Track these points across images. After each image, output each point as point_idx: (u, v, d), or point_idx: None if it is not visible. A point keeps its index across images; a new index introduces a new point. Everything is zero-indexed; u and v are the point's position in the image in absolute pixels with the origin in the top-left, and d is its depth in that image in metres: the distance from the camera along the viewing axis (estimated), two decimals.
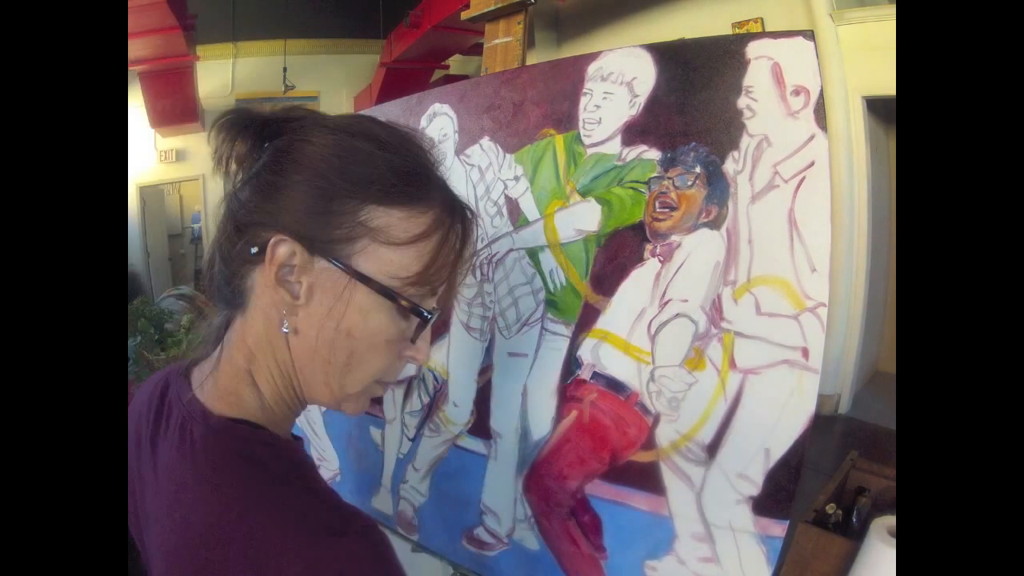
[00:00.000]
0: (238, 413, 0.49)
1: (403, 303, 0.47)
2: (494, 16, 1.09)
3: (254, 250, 0.47)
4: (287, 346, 0.49)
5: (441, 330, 1.05)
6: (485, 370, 0.98)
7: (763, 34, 0.72)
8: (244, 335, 0.50)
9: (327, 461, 1.29)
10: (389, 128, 0.49)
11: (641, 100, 0.81)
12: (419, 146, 0.50)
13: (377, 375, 0.51)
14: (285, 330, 0.47)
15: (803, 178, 0.69)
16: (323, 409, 1.28)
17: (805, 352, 0.68)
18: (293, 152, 0.48)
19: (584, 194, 0.85)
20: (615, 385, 0.82)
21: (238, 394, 0.49)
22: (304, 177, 0.47)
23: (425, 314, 0.49)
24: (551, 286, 0.89)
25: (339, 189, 0.46)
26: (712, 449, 0.74)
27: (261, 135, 0.50)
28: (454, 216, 0.50)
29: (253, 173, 0.49)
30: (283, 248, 0.46)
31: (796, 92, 0.69)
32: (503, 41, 1.08)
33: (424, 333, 0.51)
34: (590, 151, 0.85)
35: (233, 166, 0.49)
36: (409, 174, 0.48)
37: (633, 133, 0.81)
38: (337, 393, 0.50)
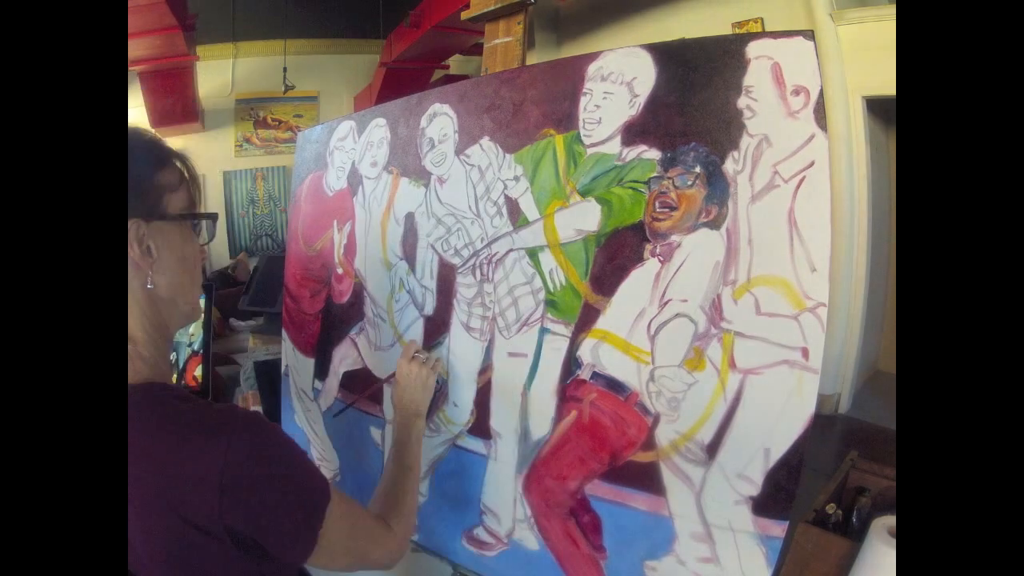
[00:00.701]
0: (132, 380, 0.60)
1: (197, 222, 0.67)
2: (494, 16, 1.09)
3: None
4: (154, 301, 0.63)
5: (441, 330, 1.05)
6: (485, 370, 0.98)
7: (763, 34, 0.72)
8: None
9: (327, 461, 1.29)
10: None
11: (641, 100, 0.81)
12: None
13: (199, 279, 0.70)
14: (150, 286, 0.62)
15: (803, 178, 0.69)
16: (323, 409, 1.28)
17: (805, 352, 0.68)
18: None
19: (584, 194, 0.85)
20: (615, 385, 0.82)
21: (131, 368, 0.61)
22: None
23: (207, 220, 0.70)
24: (551, 286, 0.89)
25: (137, 172, 0.60)
26: (712, 449, 0.74)
27: None
28: (182, 160, 0.68)
29: None
30: (131, 227, 0.60)
31: (796, 92, 0.69)
32: (503, 41, 1.08)
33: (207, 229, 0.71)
34: (590, 151, 0.85)
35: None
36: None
37: (633, 133, 0.81)
38: (195, 304, 0.69)
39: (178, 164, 0.67)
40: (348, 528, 0.67)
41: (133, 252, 0.61)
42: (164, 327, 0.66)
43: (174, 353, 1.54)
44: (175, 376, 1.54)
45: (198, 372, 1.56)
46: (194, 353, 1.58)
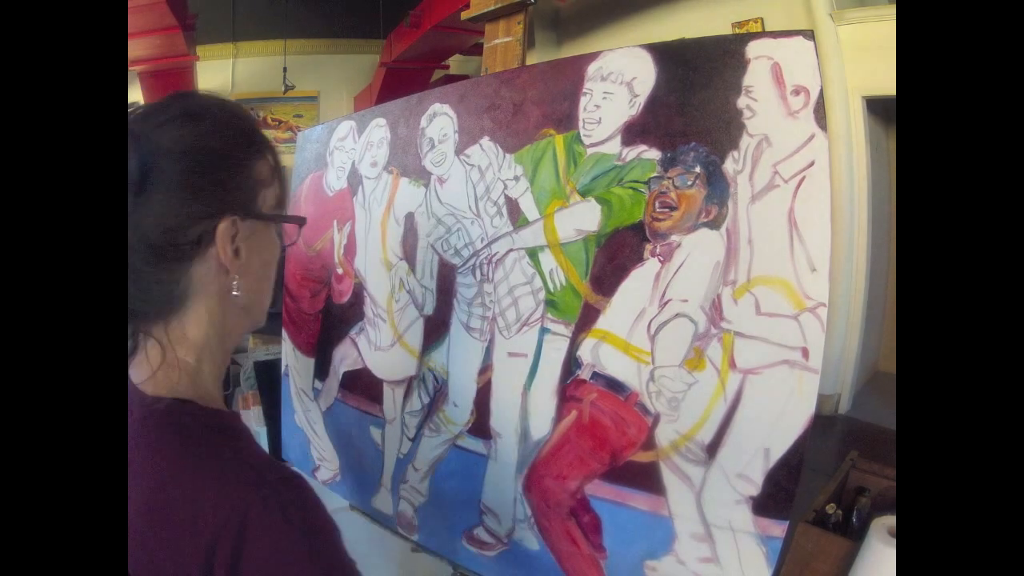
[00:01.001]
0: (169, 392, 0.52)
1: (282, 223, 0.60)
2: (494, 16, 1.09)
3: (196, 242, 0.53)
4: (229, 310, 0.56)
5: (441, 330, 1.05)
6: (485, 370, 0.98)
7: (763, 34, 0.72)
8: (185, 332, 0.54)
9: (327, 461, 1.30)
10: (212, 101, 0.56)
11: (641, 100, 0.81)
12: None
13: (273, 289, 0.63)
14: (236, 293, 0.55)
15: (803, 178, 0.69)
16: (323, 409, 1.28)
17: (805, 352, 0.68)
18: (189, 150, 0.52)
19: (584, 194, 0.85)
20: (615, 385, 0.82)
21: (171, 378, 0.53)
22: (205, 164, 0.52)
23: (298, 224, 0.63)
24: (551, 286, 0.89)
25: (238, 161, 0.54)
26: (712, 449, 0.74)
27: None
28: (272, 153, 0.60)
29: (162, 180, 0.51)
30: (226, 226, 0.52)
31: (796, 92, 0.69)
32: (503, 41, 1.08)
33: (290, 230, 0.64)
34: (590, 151, 0.85)
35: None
36: (252, 128, 0.58)
37: (633, 133, 0.81)
38: (264, 316, 0.61)
39: (270, 157, 0.59)
40: None
41: (224, 254, 0.53)
42: (227, 338, 0.58)
43: None
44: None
45: None
46: None
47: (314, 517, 0.48)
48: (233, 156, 0.53)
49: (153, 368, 0.53)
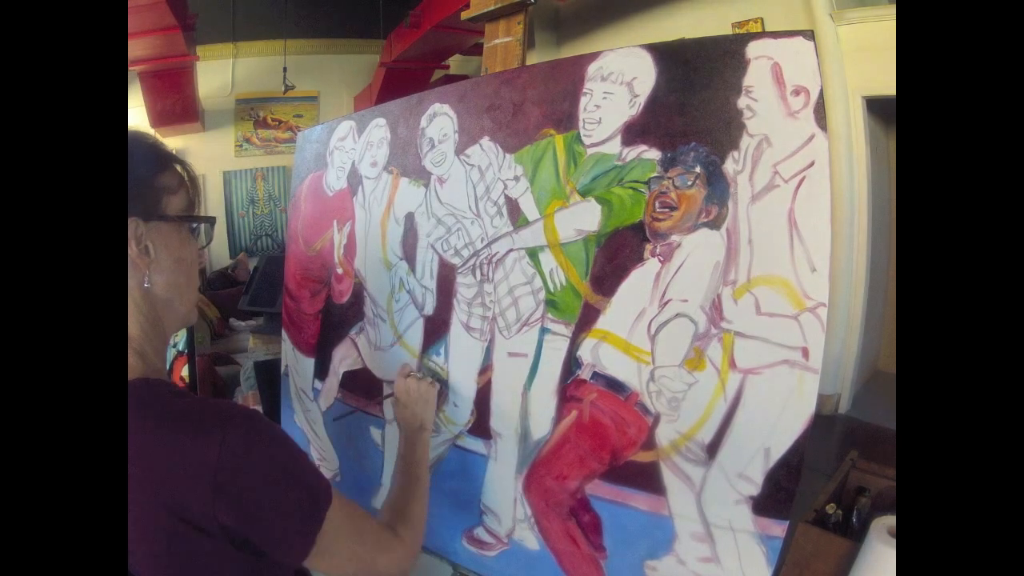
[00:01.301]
0: (128, 375, 0.60)
1: (195, 224, 0.68)
2: (494, 16, 1.09)
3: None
4: (151, 300, 0.64)
5: (441, 330, 1.05)
6: (485, 370, 0.98)
7: (763, 34, 0.72)
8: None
9: (327, 461, 1.29)
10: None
11: (641, 100, 0.81)
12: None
13: (196, 282, 0.71)
14: (147, 285, 0.63)
15: (803, 178, 0.69)
16: (323, 409, 1.28)
17: (805, 352, 0.68)
18: None
19: (584, 194, 0.85)
20: (615, 385, 0.82)
21: (129, 363, 0.61)
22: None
23: (205, 223, 0.70)
24: (551, 286, 0.89)
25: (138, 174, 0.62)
26: (712, 449, 0.74)
27: None
28: (182, 165, 0.69)
29: None
30: (129, 226, 0.60)
31: (796, 92, 0.69)
32: (503, 41, 1.08)
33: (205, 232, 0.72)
34: (590, 151, 0.85)
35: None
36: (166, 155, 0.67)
37: (633, 133, 0.81)
38: (191, 307, 0.70)
39: (178, 168, 0.67)
40: (352, 532, 0.66)
41: (131, 250, 0.61)
42: (160, 327, 0.66)
43: None
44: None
45: (184, 372, 1.56)
46: (179, 353, 1.58)
47: (277, 430, 0.61)
48: (132, 170, 0.59)
49: None
